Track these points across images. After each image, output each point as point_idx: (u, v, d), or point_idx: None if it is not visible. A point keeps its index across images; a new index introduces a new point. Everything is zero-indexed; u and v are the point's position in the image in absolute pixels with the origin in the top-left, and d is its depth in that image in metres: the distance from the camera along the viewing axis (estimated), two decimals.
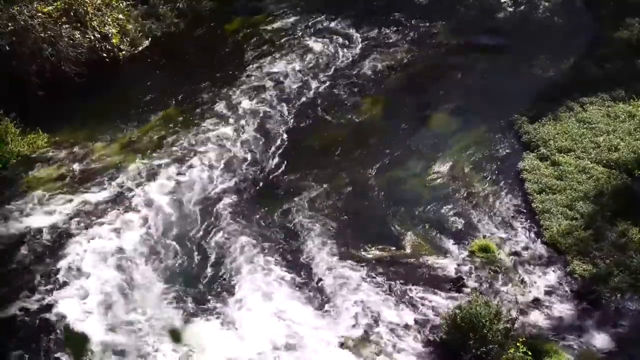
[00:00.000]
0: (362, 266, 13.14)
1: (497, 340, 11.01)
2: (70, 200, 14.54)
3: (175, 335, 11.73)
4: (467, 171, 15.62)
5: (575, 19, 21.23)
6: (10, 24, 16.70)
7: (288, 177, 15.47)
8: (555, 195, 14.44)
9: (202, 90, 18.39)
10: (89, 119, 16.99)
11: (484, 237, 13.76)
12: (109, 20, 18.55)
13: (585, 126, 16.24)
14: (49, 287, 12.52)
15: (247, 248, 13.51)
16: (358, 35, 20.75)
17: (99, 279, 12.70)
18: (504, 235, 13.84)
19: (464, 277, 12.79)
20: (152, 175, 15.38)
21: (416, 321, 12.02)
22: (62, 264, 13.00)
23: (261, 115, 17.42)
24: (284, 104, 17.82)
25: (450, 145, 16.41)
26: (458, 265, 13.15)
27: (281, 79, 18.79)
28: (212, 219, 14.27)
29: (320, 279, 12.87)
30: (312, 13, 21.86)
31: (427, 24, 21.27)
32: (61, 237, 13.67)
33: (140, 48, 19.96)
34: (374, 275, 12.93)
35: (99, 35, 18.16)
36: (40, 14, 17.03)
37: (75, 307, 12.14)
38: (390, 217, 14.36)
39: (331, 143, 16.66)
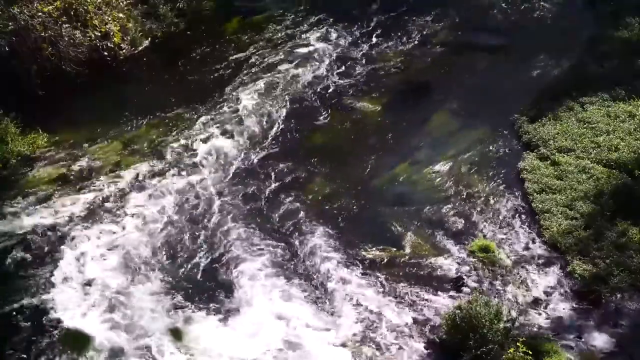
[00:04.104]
0: (362, 266, 13.15)
1: (497, 340, 10.99)
2: (71, 200, 14.56)
3: (176, 335, 11.73)
4: (467, 171, 15.61)
5: (575, 18, 21.23)
6: (10, 24, 16.70)
7: (288, 178, 15.47)
8: (555, 195, 14.43)
9: (202, 90, 18.40)
10: (89, 119, 16.99)
11: (484, 237, 13.75)
12: (109, 19, 18.55)
13: (585, 126, 16.22)
14: (49, 287, 12.53)
15: (247, 248, 13.52)
16: (358, 35, 20.75)
17: (99, 279, 12.71)
18: (504, 235, 13.84)
19: (464, 277, 12.79)
20: (152, 175, 15.40)
21: (416, 321, 12.02)
22: (63, 263, 13.01)
23: (261, 115, 17.43)
24: (283, 104, 17.83)
25: (450, 145, 16.41)
26: (458, 265, 13.15)
27: (281, 78, 18.79)
28: (213, 219, 14.28)
29: (320, 279, 12.88)
30: (311, 13, 21.86)
31: (427, 24, 21.28)
32: (61, 237, 13.68)
33: (140, 48, 19.97)
34: (374, 275, 12.94)
35: (99, 34, 18.15)
36: (40, 14, 17.02)
37: (76, 307, 12.15)
38: (390, 217, 14.36)
39: (331, 143, 16.66)
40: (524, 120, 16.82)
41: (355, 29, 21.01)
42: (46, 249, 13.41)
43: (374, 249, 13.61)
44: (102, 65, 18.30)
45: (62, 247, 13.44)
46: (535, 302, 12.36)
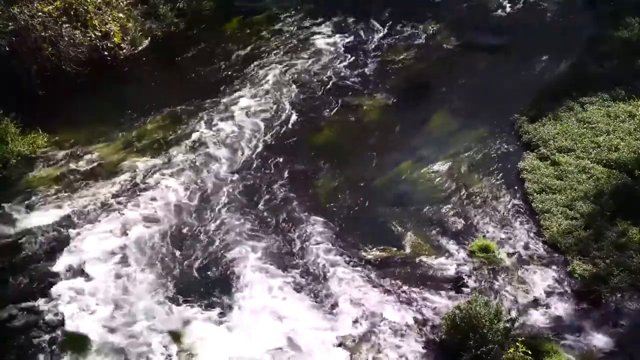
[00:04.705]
0: (362, 266, 13.15)
1: (497, 340, 11.00)
2: (71, 200, 14.56)
3: (176, 336, 11.73)
4: (467, 171, 15.61)
5: (575, 18, 21.24)
6: (10, 24, 16.70)
7: (287, 178, 15.46)
8: (555, 195, 14.44)
9: (202, 89, 18.40)
10: (89, 119, 16.99)
11: (484, 237, 13.75)
12: (110, 18, 18.55)
13: (585, 126, 16.23)
14: (49, 287, 12.54)
15: (247, 249, 13.51)
16: (358, 35, 20.76)
17: (99, 279, 12.72)
18: (504, 235, 13.84)
19: (464, 277, 12.80)
20: (152, 175, 15.39)
21: (416, 321, 12.02)
22: (63, 264, 13.02)
23: (261, 114, 17.43)
24: (283, 104, 17.83)
25: (450, 145, 16.41)
26: (458, 265, 13.15)
27: (281, 79, 18.79)
28: (213, 219, 14.28)
29: (320, 279, 12.88)
30: (311, 13, 21.86)
31: (428, 24, 21.27)
32: (61, 237, 13.67)
33: (140, 47, 19.97)
34: (374, 275, 12.94)
35: (99, 34, 18.15)
36: (40, 14, 17.02)
37: (76, 307, 12.16)
38: (390, 217, 14.36)
39: (331, 143, 16.66)
40: (524, 120, 16.82)
41: (354, 29, 21.01)
42: (46, 249, 13.39)
43: (374, 249, 13.61)
44: (102, 65, 18.30)
45: (62, 247, 13.44)
46: (535, 302, 12.37)
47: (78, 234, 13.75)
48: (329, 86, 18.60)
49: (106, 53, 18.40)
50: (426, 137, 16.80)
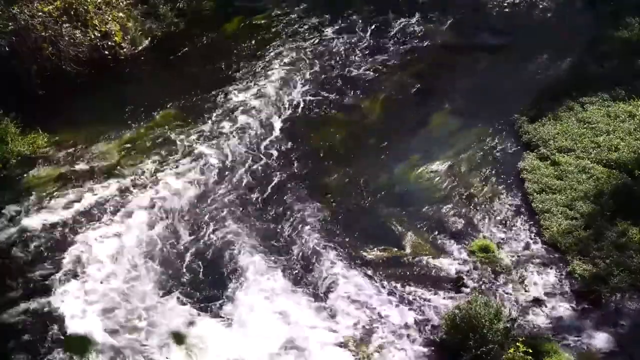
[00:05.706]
0: (363, 266, 13.15)
1: (497, 340, 11.01)
2: (71, 201, 14.55)
3: (177, 337, 11.73)
4: (467, 171, 15.62)
5: (575, 18, 21.23)
6: (10, 24, 16.70)
7: (287, 178, 15.47)
8: (555, 195, 14.44)
9: (202, 90, 18.39)
10: (89, 119, 16.98)
11: (484, 237, 13.76)
12: (110, 18, 18.55)
13: (585, 126, 16.22)
14: (49, 288, 12.54)
15: (248, 249, 13.51)
16: (358, 35, 20.74)
17: (100, 280, 12.72)
18: (504, 235, 13.85)
19: (464, 277, 12.81)
20: (152, 176, 15.39)
21: (416, 321, 12.03)
22: (63, 264, 13.01)
23: (260, 115, 17.42)
24: (283, 104, 17.83)
25: (450, 145, 16.41)
26: (458, 265, 13.16)
27: (280, 79, 18.79)
28: (213, 219, 14.27)
29: (321, 280, 12.88)
30: (312, 13, 21.83)
31: (428, 24, 21.27)
32: (61, 237, 13.68)
33: (140, 47, 19.96)
34: (374, 275, 12.95)
35: (99, 34, 18.16)
36: (40, 13, 17.03)
37: (76, 308, 12.15)
38: (390, 217, 14.36)
39: (331, 143, 16.64)
40: (524, 120, 16.82)
41: (355, 29, 20.99)
42: (46, 249, 13.41)
43: (374, 248, 13.62)
44: (102, 65, 18.29)
45: (62, 247, 13.44)
46: (535, 302, 12.37)
47: (78, 233, 13.75)
48: (329, 85, 18.59)
49: (106, 52, 18.41)
50: (426, 137, 16.80)
